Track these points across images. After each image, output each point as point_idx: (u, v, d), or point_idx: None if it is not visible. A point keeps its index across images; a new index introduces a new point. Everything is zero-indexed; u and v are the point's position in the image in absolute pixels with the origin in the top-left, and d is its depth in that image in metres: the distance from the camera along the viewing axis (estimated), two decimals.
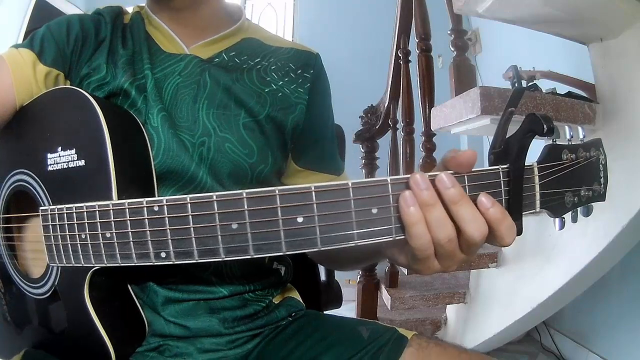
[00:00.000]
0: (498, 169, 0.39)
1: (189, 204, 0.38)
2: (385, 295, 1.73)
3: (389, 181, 0.37)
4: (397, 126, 1.87)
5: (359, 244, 0.37)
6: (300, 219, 0.37)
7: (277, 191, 0.37)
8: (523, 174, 0.39)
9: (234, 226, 0.37)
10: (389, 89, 1.89)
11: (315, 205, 0.36)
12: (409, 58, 1.77)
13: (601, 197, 0.43)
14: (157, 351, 0.56)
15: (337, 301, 1.04)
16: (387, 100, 1.90)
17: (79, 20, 0.60)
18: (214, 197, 0.38)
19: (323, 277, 1.02)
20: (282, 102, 0.62)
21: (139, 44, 0.61)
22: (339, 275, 1.07)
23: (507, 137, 0.40)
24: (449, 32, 1.47)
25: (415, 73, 1.63)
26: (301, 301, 0.70)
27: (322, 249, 0.37)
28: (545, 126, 0.37)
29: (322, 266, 1.00)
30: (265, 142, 0.60)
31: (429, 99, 1.53)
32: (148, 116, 0.56)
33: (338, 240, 0.37)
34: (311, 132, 0.65)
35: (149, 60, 0.59)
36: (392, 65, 1.88)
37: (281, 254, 0.38)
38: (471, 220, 0.36)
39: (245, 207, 0.37)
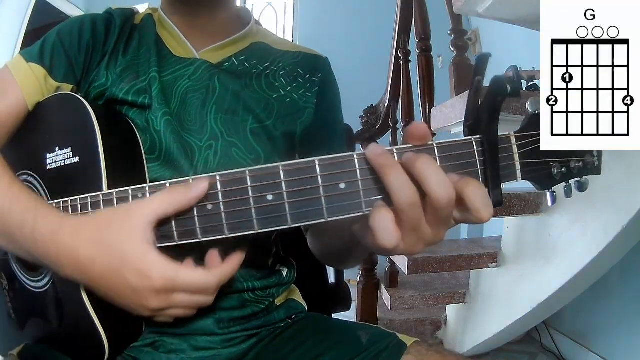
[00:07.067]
0: (471, 139, 0.37)
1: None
2: (385, 295, 1.73)
3: (355, 156, 0.37)
4: (397, 126, 1.87)
5: (329, 219, 0.37)
6: (270, 197, 0.38)
7: (247, 172, 0.38)
8: (497, 140, 0.37)
9: (209, 207, 0.39)
10: (389, 89, 1.90)
11: (283, 182, 0.37)
12: (409, 58, 1.77)
13: (596, 169, 0.39)
14: (152, 347, 0.56)
15: (346, 303, 0.98)
16: (387, 100, 1.90)
17: (91, 24, 0.59)
18: (190, 181, 0.40)
19: (332, 279, 0.98)
20: (290, 107, 0.62)
21: (147, 46, 0.60)
22: None
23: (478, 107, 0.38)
24: (449, 32, 1.47)
25: (415, 73, 1.63)
26: (302, 303, 0.69)
27: (293, 225, 0.38)
28: (508, 87, 0.35)
29: (331, 267, 0.96)
30: (272, 148, 0.60)
31: (429, 99, 1.53)
32: (151, 118, 0.56)
33: (308, 216, 0.38)
34: (321, 136, 0.65)
35: (156, 63, 0.58)
36: (392, 65, 1.89)
37: (254, 232, 0.39)
38: (436, 180, 0.34)
39: (219, 188, 0.39)
